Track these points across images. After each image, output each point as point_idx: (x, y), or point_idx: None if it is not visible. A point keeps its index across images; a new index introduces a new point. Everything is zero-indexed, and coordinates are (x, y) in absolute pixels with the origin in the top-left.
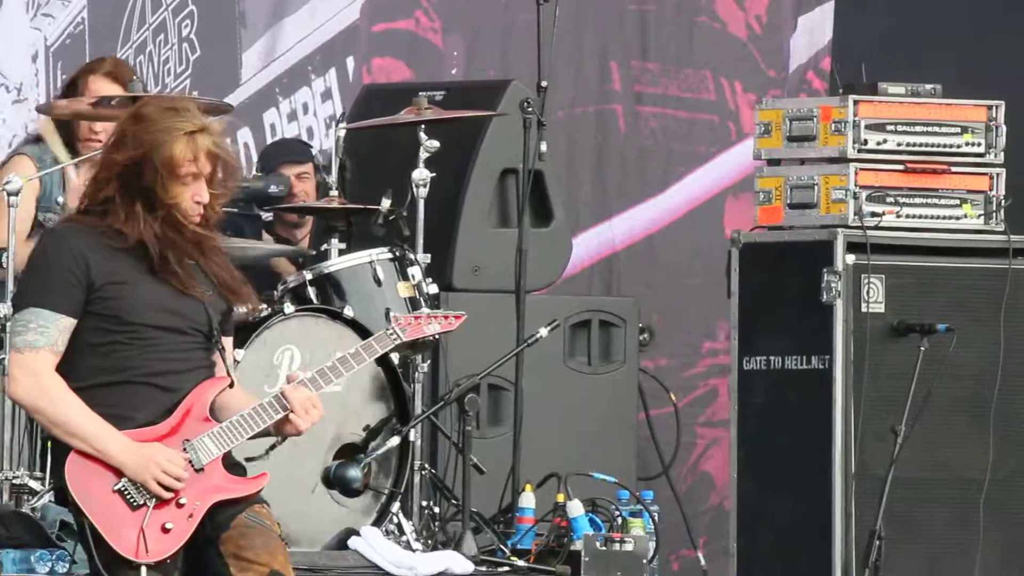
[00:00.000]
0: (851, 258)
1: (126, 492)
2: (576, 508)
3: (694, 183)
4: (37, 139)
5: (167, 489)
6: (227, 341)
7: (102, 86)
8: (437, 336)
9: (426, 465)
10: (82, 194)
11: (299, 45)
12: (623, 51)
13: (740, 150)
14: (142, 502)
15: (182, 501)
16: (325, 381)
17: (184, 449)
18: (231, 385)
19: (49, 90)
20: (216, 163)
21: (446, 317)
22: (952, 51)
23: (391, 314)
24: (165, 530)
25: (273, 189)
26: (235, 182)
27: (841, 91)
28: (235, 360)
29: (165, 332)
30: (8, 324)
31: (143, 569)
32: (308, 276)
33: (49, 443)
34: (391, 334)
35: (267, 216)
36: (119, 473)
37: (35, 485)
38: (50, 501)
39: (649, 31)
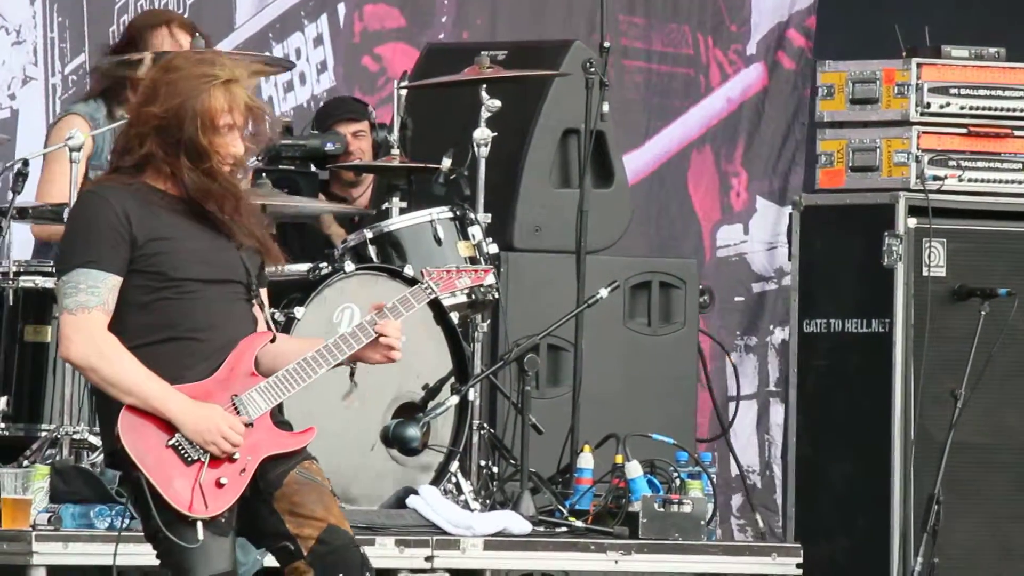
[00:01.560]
0: (912, 222)
1: (180, 447)
2: (634, 469)
3: (667, 137)
4: (88, 97)
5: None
6: (263, 294)
7: (181, 39)
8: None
9: (485, 424)
10: (113, 151)
11: None
12: (611, 5)
13: (707, 104)
14: (196, 457)
15: (235, 456)
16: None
17: (233, 404)
18: (273, 340)
19: (46, 32)
20: (250, 114)
21: (475, 271)
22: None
23: (423, 269)
24: (220, 485)
25: (329, 147)
26: (267, 135)
27: (905, 54)
28: (294, 318)
29: (209, 285)
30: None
31: (199, 524)
32: (369, 235)
33: (96, 405)
34: (425, 288)
35: (324, 175)
36: (171, 428)
37: (95, 441)
38: None
39: None
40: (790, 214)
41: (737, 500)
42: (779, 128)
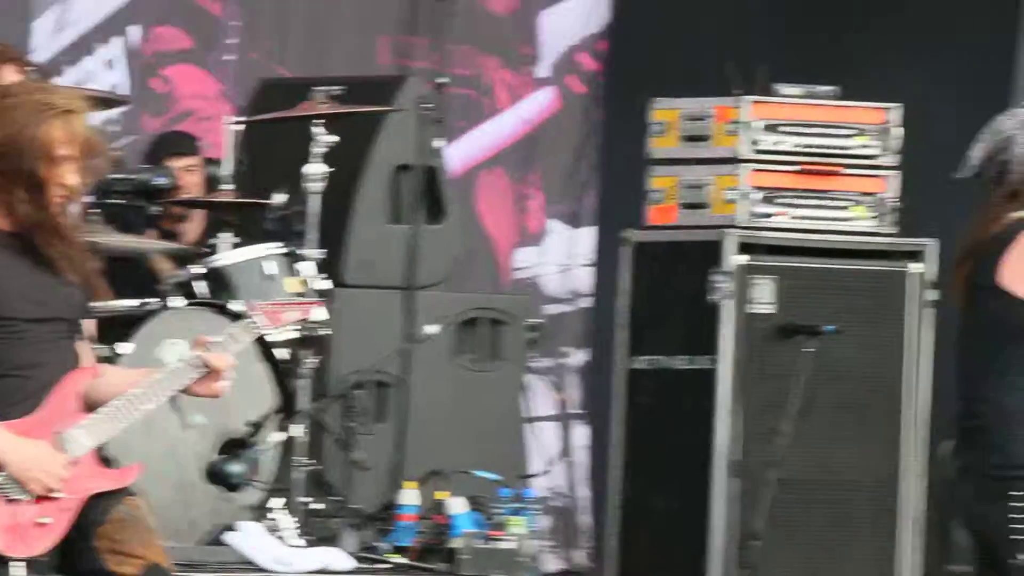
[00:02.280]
0: (741, 258)
1: (2, 486)
2: (457, 505)
3: (450, 158)
4: None
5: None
6: (90, 328)
7: (8, 75)
8: (301, 325)
9: (309, 460)
10: None
11: (87, 14)
12: (395, 25)
13: (497, 125)
14: (18, 496)
15: (58, 495)
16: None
17: (56, 441)
18: (98, 375)
19: None
20: (87, 147)
21: (303, 304)
22: (846, 53)
23: (249, 303)
24: (41, 525)
25: (158, 181)
26: (102, 168)
27: (738, 92)
28: (120, 353)
29: (36, 324)
30: None
31: (19, 565)
32: (198, 270)
33: None
34: (251, 323)
35: (154, 209)
36: None
37: None
38: None
39: (419, 5)
40: (619, 250)
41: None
42: (572, 151)
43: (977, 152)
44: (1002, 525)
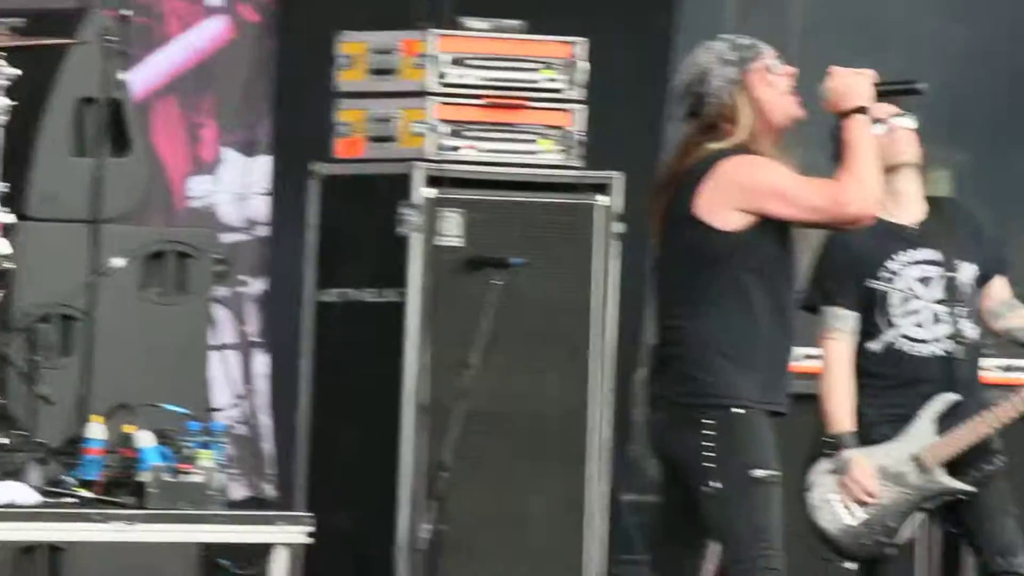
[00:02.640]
0: (429, 192)
1: None
2: (145, 439)
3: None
4: None
5: None
6: None
7: None
8: None
9: None
10: None
11: None
12: None
13: (168, 54)
14: None
15: None
16: None
17: None
18: None
19: None
20: None
21: None
22: None
23: None
24: None
25: None
26: None
27: (425, 25)
28: None
29: None
30: None
31: None
32: None
33: None
34: None
35: None
36: None
37: None
38: None
39: None
40: (308, 183)
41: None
42: (245, 80)
43: (677, 85)
44: (694, 453)
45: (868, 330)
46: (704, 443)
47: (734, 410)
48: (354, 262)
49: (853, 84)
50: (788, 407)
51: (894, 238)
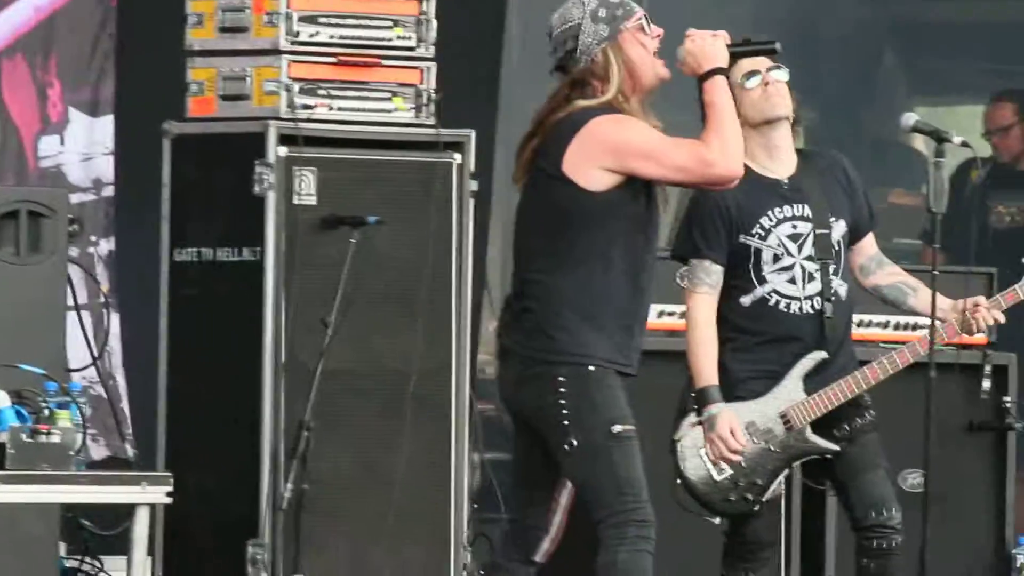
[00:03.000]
0: (283, 150)
1: None
2: (1, 400)
3: None
4: None
5: None
6: None
7: None
8: None
9: None
10: None
11: None
12: None
13: (14, 12)
14: None
15: None
16: None
17: None
18: None
19: None
20: None
21: None
22: None
23: None
24: None
25: None
26: None
27: None
28: None
29: None
30: None
31: None
32: None
33: None
34: None
35: None
36: None
37: None
38: None
39: None
40: (162, 142)
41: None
42: (88, 39)
43: (552, 42)
44: (550, 411)
45: (740, 285)
46: (560, 400)
47: (589, 367)
48: (209, 222)
49: (709, 46)
50: (636, 369)
51: (768, 193)
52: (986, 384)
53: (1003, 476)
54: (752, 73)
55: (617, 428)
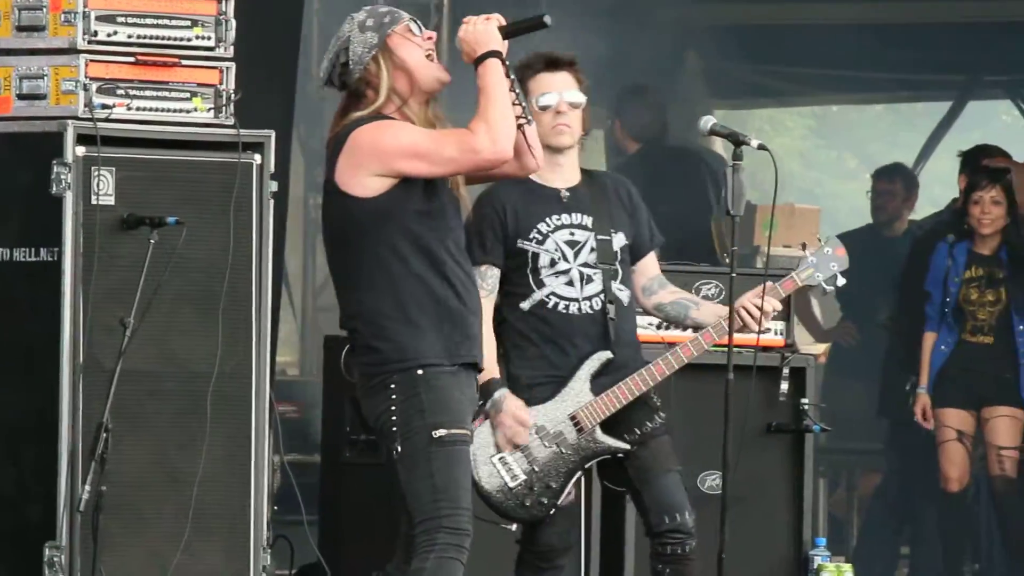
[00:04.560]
0: (81, 150)
1: None
2: None
3: None
4: None
5: None
6: None
7: None
8: None
9: None
10: None
11: None
12: None
13: None
14: None
15: None
16: None
17: None
18: None
19: None
20: None
21: None
22: None
23: None
24: None
25: None
26: None
27: None
28: None
29: None
30: None
31: None
32: None
33: None
34: None
35: None
36: None
37: None
38: None
39: None
40: None
41: None
42: None
43: (325, 60)
44: (382, 419)
45: (518, 291)
46: (391, 407)
47: (416, 371)
48: (6, 222)
49: (482, 31)
50: (481, 358)
51: (546, 201)
52: (784, 386)
53: (801, 477)
54: (545, 95)
55: (440, 432)
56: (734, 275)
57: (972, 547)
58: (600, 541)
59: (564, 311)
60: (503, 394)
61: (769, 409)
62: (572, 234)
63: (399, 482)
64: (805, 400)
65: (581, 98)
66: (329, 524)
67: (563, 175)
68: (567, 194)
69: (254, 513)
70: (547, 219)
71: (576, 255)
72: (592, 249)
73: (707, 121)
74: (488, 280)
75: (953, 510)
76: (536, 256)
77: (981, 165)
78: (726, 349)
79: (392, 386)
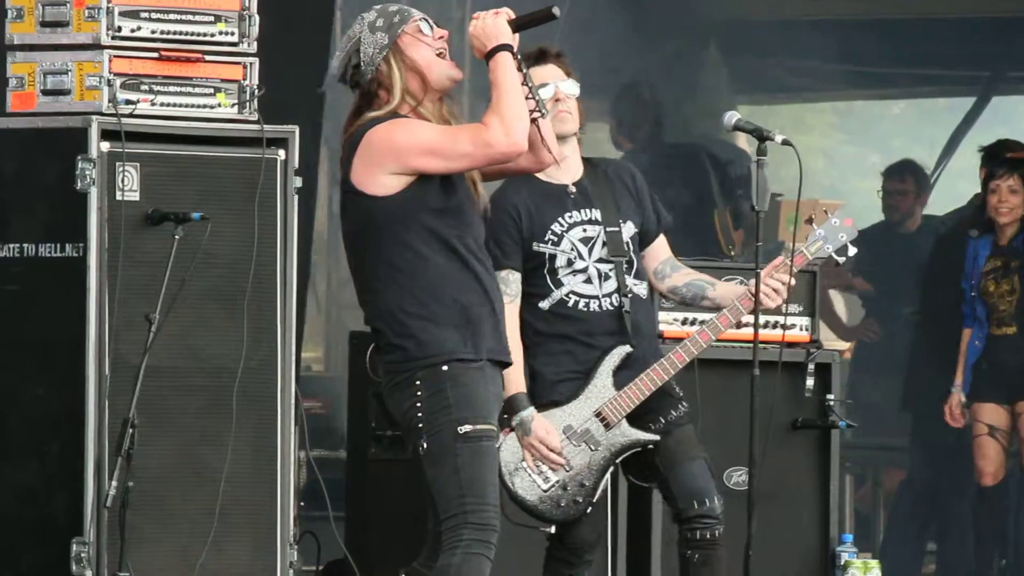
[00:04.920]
0: (106, 146)
1: None
2: None
3: None
4: None
5: None
6: None
7: None
8: None
9: None
10: None
11: None
12: None
13: None
14: None
15: None
16: None
17: None
18: None
19: None
20: None
21: None
22: None
23: None
24: None
25: None
26: None
27: None
28: None
29: None
30: None
31: None
32: None
33: None
34: None
35: None
36: None
37: None
38: None
39: None
40: None
41: None
42: None
43: (334, 61)
44: (408, 415)
45: (537, 291)
46: (417, 404)
47: (441, 368)
48: (31, 217)
49: (491, 25)
50: (507, 354)
51: (555, 200)
52: (810, 382)
53: (827, 473)
54: (542, 86)
55: (465, 428)
56: (760, 270)
57: (1001, 542)
58: (627, 533)
59: (585, 308)
60: (530, 415)
61: (795, 405)
62: (585, 230)
63: (425, 478)
64: (831, 396)
65: (575, 88)
66: (356, 520)
67: (568, 169)
68: (574, 189)
69: (280, 509)
70: (559, 219)
71: (591, 251)
72: (604, 243)
73: (731, 116)
74: (512, 285)
75: (987, 504)
76: (553, 257)
77: (1001, 156)
78: (752, 345)
79: (417, 383)
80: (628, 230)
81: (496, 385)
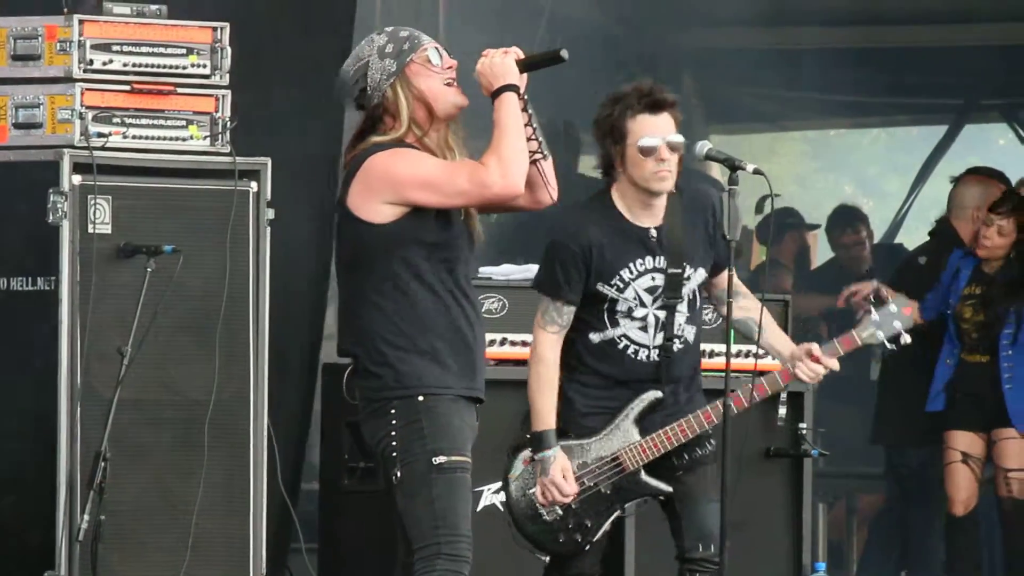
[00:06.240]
0: (77, 179)
1: None
2: None
3: None
4: None
5: None
6: None
7: None
8: None
9: None
10: None
11: None
12: None
13: None
14: None
15: None
16: None
17: None
18: None
19: None
20: None
21: None
22: None
23: None
24: None
25: None
26: None
27: (67, 10)
28: None
29: None
30: None
31: None
32: None
33: None
34: None
35: None
36: None
37: None
38: None
39: None
40: None
41: None
42: None
43: (340, 75)
44: (383, 444)
45: (592, 323)
46: (391, 432)
47: (418, 398)
48: (3, 250)
49: (499, 64)
50: (482, 392)
51: (634, 244)
52: (782, 411)
53: (799, 502)
54: (647, 139)
55: (440, 459)
56: (730, 300)
57: (974, 571)
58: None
59: (632, 355)
60: (553, 456)
61: (767, 433)
62: (653, 279)
63: (398, 508)
64: (803, 424)
65: (681, 139)
66: (328, 552)
67: (653, 214)
68: (655, 234)
69: (253, 541)
70: (631, 264)
71: (654, 300)
72: (669, 290)
73: (703, 146)
74: (564, 317)
75: (958, 533)
76: (615, 300)
77: (1016, 190)
78: (724, 374)
79: (392, 411)
80: (698, 277)
81: (471, 417)
